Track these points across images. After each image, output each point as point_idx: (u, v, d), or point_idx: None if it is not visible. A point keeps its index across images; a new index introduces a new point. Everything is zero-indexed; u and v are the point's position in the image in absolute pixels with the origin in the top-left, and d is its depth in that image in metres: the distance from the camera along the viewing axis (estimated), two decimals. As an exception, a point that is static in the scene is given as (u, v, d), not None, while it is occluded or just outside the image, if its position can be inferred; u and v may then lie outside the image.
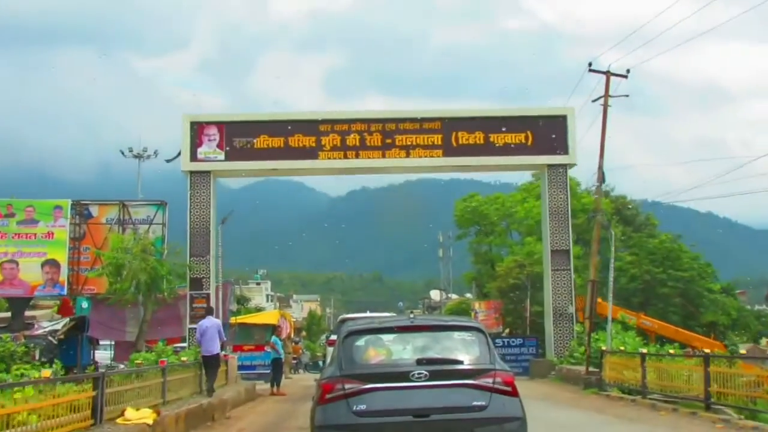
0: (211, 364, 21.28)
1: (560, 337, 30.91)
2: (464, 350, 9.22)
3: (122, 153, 60.64)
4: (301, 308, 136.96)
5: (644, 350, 22.58)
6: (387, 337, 9.54)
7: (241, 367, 33.44)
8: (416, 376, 8.58)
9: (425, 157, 31.40)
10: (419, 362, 8.78)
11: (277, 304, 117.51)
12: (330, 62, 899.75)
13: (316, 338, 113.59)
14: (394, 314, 16.17)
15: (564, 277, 31.20)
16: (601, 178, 32.51)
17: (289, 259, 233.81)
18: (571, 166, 31.82)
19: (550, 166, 31.64)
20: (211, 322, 21.79)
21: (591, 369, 24.65)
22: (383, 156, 31.39)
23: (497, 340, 33.57)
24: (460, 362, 9.02)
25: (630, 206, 72.86)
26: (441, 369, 8.73)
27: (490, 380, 8.69)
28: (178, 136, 31.79)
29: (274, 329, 64.20)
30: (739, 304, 63.22)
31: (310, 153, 31.40)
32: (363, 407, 8.49)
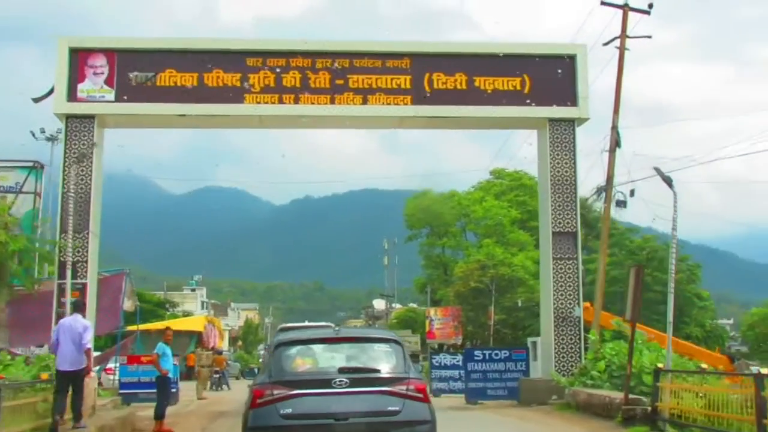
0: (76, 383, 14.20)
1: (564, 348, 22.30)
2: (382, 360, 10.01)
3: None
4: (237, 316, 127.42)
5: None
6: (314, 348, 10.35)
7: (126, 385, 24.50)
8: (338, 383, 9.43)
9: (389, 104, 22.65)
10: (341, 371, 9.60)
11: (212, 312, 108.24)
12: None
13: (252, 348, 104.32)
14: (332, 324, 16.03)
15: (569, 268, 22.65)
16: (615, 141, 24.31)
17: (230, 268, 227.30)
18: (581, 121, 23.21)
19: (552, 120, 23.06)
20: (76, 323, 14.51)
21: (633, 396, 16.14)
22: (332, 102, 22.55)
23: (476, 353, 24.88)
24: (378, 371, 9.84)
25: (591, 209, 65.55)
26: (360, 377, 9.58)
27: (404, 387, 9.53)
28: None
29: (199, 338, 54.91)
30: (713, 315, 55.78)
31: (234, 95, 22.45)
32: (290, 411, 9.33)
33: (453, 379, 28.73)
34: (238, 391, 34.04)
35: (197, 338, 52.75)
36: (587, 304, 32.68)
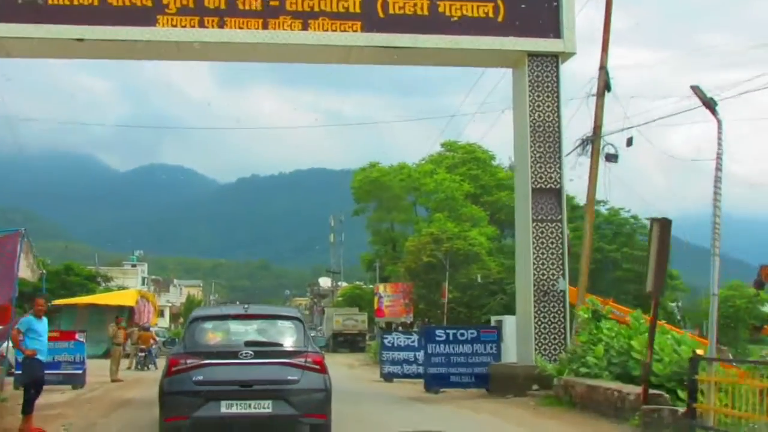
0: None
1: (546, 328, 18.13)
2: (284, 335, 11.19)
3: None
4: (180, 293, 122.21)
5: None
6: (224, 323, 11.51)
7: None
8: (244, 354, 10.43)
9: (334, 31, 18.15)
10: (247, 344, 10.66)
11: (153, 288, 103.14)
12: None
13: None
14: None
15: (552, 232, 18.42)
16: (605, 83, 20.16)
17: (175, 245, 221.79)
18: (566, 56, 18.91)
19: (531, 55, 18.73)
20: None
21: (654, 392, 12.04)
22: (264, 27, 17.97)
23: (437, 332, 20.57)
24: (280, 345, 11.01)
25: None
26: (264, 350, 10.63)
27: (303, 360, 10.56)
28: None
29: (130, 313, 49.94)
30: (674, 296, 52.40)
31: (144, 17, 17.79)
32: (201, 378, 10.22)
33: (407, 362, 24.75)
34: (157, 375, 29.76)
35: (128, 314, 47.88)
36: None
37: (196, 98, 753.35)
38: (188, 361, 10.36)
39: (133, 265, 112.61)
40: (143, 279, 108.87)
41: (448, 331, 20.09)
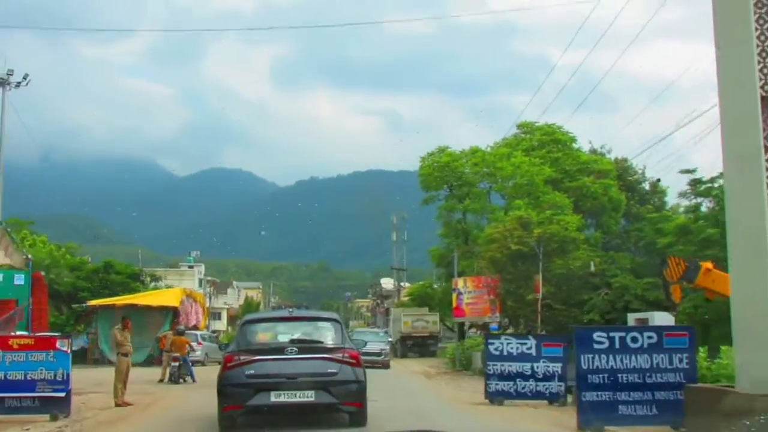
0: None
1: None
2: (324, 334, 12.74)
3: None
4: (237, 295, 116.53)
5: None
6: (272, 325, 13.28)
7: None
8: (289, 351, 11.94)
9: None
10: (292, 342, 12.23)
11: (211, 289, 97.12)
12: (278, 51, 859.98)
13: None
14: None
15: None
16: None
17: (236, 248, 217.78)
18: None
19: None
20: None
21: None
22: None
23: (596, 336, 12.90)
24: (320, 342, 12.53)
25: (633, 170, 53.96)
26: (306, 346, 12.20)
27: (340, 355, 12.03)
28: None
29: (174, 314, 43.24)
30: None
31: None
32: (252, 372, 11.72)
33: (522, 376, 17.62)
34: (206, 386, 23.25)
35: (172, 315, 41.27)
36: (708, 264, 21.28)
37: (253, 101, 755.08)
38: (241, 357, 11.92)
39: (190, 267, 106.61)
40: (200, 281, 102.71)
41: (612, 334, 12.53)
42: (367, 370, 12.58)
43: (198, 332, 41.48)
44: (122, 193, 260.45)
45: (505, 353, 17.60)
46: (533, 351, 17.62)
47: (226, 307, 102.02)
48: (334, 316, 13.87)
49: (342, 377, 11.82)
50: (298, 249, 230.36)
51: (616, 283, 34.45)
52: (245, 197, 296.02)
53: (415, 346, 51.33)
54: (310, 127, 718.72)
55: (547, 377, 17.52)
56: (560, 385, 17.55)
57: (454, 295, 37.55)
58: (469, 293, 36.43)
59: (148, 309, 40.76)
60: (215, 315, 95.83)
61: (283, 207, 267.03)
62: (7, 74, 44.14)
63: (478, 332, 55.61)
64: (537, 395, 17.35)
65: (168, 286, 54.68)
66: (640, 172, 53.45)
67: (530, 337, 18.56)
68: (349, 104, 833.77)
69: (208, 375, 32.28)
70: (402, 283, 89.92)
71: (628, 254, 41.33)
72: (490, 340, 18.16)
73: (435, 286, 63.08)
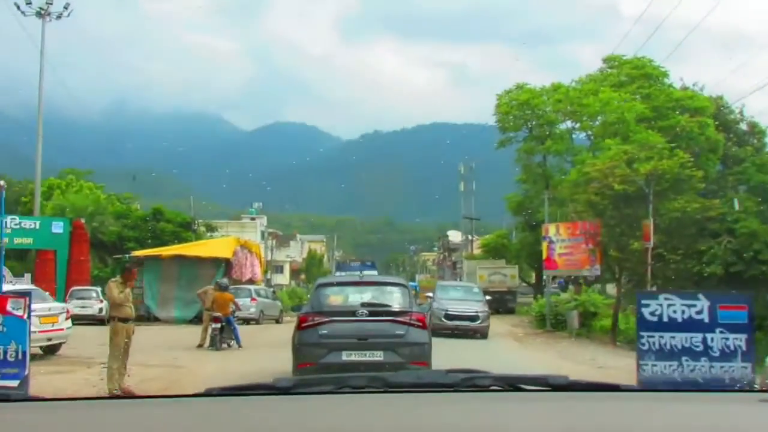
0: None
1: None
2: (392, 298, 13.31)
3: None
4: (301, 248, 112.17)
5: None
6: (343, 289, 13.94)
7: None
8: (360, 313, 12.51)
9: None
10: (362, 305, 12.73)
11: (273, 242, 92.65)
12: (343, 3, 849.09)
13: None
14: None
15: None
16: None
17: (299, 202, 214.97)
18: None
19: None
20: None
21: None
22: None
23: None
24: (389, 306, 13.06)
25: (730, 110, 47.10)
26: (376, 309, 12.72)
27: (408, 318, 12.58)
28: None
29: (227, 266, 38.45)
30: None
31: None
32: (325, 332, 12.37)
33: (691, 353, 11.80)
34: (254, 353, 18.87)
35: (225, 267, 36.44)
36: None
37: (317, 55, 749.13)
38: (315, 318, 12.53)
39: (252, 218, 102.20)
40: (262, 233, 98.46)
41: None
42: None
43: (252, 286, 36.55)
44: (189, 148, 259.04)
45: (665, 318, 12.01)
46: (705, 316, 11.99)
47: (289, 260, 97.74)
48: (401, 281, 14.97)
49: (409, 339, 12.46)
50: (361, 203, 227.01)
51: (742, 228, 28.44)
52: (309, 151, 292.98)
53: (492, 302, 45.72)
54: (373, 80, 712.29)
55: (726, 355, 11.92)
56: (745, 367, 11.96)
57: (545, 244, 31.73)
58: (563, 242, 30.60)
59: (198, 260, 36.02)
60: (278, 268, 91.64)
61: (347, 161, 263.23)
62: (47, 3, 40.02)
63: (557, 286, 50.09)
64: (715, 383, 11.74)
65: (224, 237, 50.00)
66: (737, 111, 46.75)
67: (701, 295, 12.80)
68: (413, 56, 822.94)
69: (259, 336, 27.29)
70: (470, 236, 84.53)
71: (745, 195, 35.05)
72: (644, 301, 12.44)
73: (511, 237, 57.39)
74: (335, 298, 13.41)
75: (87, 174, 57.05)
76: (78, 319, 32.53)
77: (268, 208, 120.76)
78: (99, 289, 34.57)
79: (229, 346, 21.50)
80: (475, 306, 27.80)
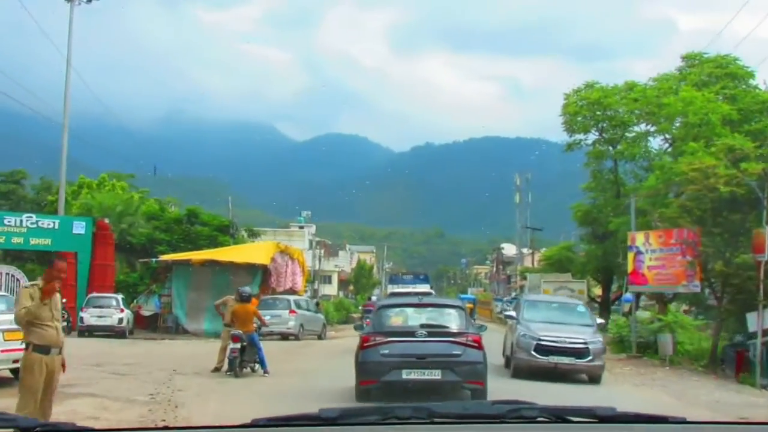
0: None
1: None
2: (450, 320, 13.65)
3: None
4: (350, 258, 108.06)
5: None
6: (403, 310, 14.21)
7: None
8: (419, 334, 12.88)
9: None
10: (422, 326, 13.14)
11: (321, 251, 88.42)
12: (395, 16, 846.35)
13: (365, 293, 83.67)
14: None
15: None
16: None
17: (351, 213, 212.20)
18: None
19: None
20: None
21: None
22: None
23: None
24: (447, 327, 13.47)
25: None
26: (435, 330, 13.17)
27: (464, 338, 12.97)
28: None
29: (264, 274, 34.15)
30: None
31: None
32: (386, 351, 12.74)
33: None
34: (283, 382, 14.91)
35: (261, 276, 32.27)
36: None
37: (369, 66, 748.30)
38: (377, 338, 13.00)
39: (300, 227, 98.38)
40: (310, 242, 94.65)
41: None
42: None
43: (292, 297, 32.26)
44: (242, 157, 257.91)
45: None
46: None
47: (337, 270, 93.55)
48: (458, 303, 15.78)
49: (465, 358, 12.75)
50: (412, 214, 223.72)
51: None
52: (361, 162, 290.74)
53: (558, 320, 41.02)
54: (425, 93, 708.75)
55: None
56: None
57: (631, 255, 26.82)
58: (653, 252, 25.75)
59: (233, 266, 31.92)
60: (326, 278, 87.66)
61: (398, 172, 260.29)
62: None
63: (618, 303, 45.14)
64: None
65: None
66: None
67: None
68: (465, 69, 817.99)
69: (295, 356, 22.93)
70: (524, 249, 79.73)
71: None
72: None
73: (579, 248, 52.33)
74: (396, 319, 13.90)
75: (129, 177, 53.57)
76: (94, 331, 28.84)
77: (318, 218, 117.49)
78: (121, 296, 30.75)
79: (252, 370, 17.20)
80: (583, 334, 18.68)
